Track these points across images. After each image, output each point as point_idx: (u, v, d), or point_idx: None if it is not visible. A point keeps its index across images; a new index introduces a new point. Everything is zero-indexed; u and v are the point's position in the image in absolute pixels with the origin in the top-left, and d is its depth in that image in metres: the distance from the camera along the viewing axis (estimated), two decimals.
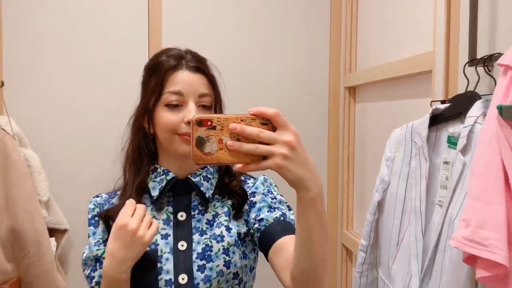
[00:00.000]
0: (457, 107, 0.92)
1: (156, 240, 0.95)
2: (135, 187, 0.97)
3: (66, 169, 1.71)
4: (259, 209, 0.97)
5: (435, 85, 1.13)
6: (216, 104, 0.99)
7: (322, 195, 0.70)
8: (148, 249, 0.91)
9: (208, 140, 0.65)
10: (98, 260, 0.97)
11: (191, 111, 0.91)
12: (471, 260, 0.74)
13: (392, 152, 1.07)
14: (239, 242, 0.96)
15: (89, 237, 0.99)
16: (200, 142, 0.65)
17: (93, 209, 1.01)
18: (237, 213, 0.99)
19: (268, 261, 0.92)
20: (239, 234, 0.97)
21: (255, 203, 0.98)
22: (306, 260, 0.74)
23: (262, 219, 0.95)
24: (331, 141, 1.88)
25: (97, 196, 1.03)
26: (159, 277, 0.91)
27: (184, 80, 0.93)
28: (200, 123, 0.65)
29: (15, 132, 1.53)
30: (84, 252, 0.99)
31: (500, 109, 0.70)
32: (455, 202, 0.85)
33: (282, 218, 0.94)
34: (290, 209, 0.98)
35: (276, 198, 0.98)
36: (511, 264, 0.67)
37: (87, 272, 0.98)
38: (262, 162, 0.65)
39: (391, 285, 1.04)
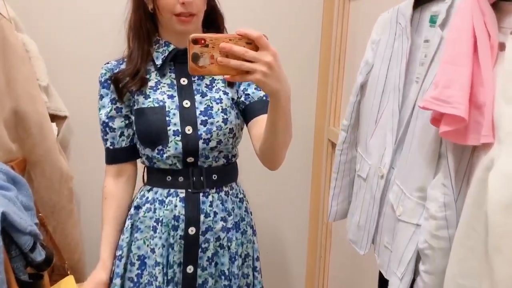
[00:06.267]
0: None
1: (163, 99, 1.12)
2: (140, 55, 1.12)
3: (64, 57, 1.74)
4: (249, 84, 1.16)
5: None
6: None
7: (289, 101, 0.90)
8: (156, 105, 1.11)
9: (202, 56, 0.79)
10: (107, 125, 1.17)
11: None
12: (437, 121, 0.82)
13: (378, 35, 1.12)
14: (233, 105, 1.17)
15: (101, 98, 1.17)
16: (195, 57, 0.79)
17: (105, 73, 1.17)
18: (231, 82, 1.16)
19: (247, 127, 1.17)
20: (232, 99, 1.17)
21: None
22: (271, 142, 1.01)
23: (248, 95, 1.16)
24: (324, 40, 1.91)
25: (108, 63, 1.18)
26: (168, 128, 1.11)
27: None
28: (195, 41, 0.79)
29: (10, 16, 1.54)
30: (100, 118, 1.18)
31: None
32: (429, 75, 0.91)
33: (264, 98, 1.15)
34: None
35: None
36: (470, 119, 0.75)
37: (101, 134, 1.19)
38: (245, 75, 0.80)
39: (367, 159, 1.14)
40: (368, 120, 1.14)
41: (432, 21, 0.97)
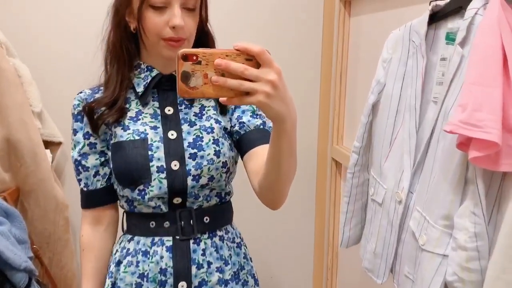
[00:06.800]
0: (457, 2, 0.91)
1: (145, 130, 0.98)
2: (119, 81, 0.98)
3: (57, 81, 1.68)
4: (243, 111, 1.03)
5: None
6: (201, 5, 0.98)
7: (295, 126, 0.76)
8: (137, 138, 0.97)
9: (193, 75, 0.66)
10: (79, 163, 1.03)
11: (176, 15, 0.91)
12: (464, 145, 0.77)
13: (389, 53, 1.07)
14: (226, 135, 1.02)
15: (75, 134, 1.03)
16: (186, 77, 0.66)
17: (78, 104, 1.02)
18: (223, 108, 1.03)
19: (242, 160, 1.02)
20: (225, 128, 1.03)
21: None
22: (273, 176, 0.85)
23: (243, 123, 1.01)
24: (324, 56, 1.87)
25: (81, 92, 1.04)
26: (151, 164, 0.95)
27: None
28: (185, 57, 0.66)
29: (1, 41, 1.49)
30: (72, 156, 1.04)
31: None
32: (450, 95, 0.86)
33: (262, 126, 1.01)
34: None
35: None
36: (502, 144, 0.70)
37: (75, 174, 1.05)
38: (245, 97, 0.67)
39: (382, 182, 1.08)
40: (381, 142, 1.09)
41: (449, 38, 0.93)
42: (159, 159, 0.96)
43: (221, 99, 0.68)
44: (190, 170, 0.96)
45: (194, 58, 0.66)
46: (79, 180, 1.04)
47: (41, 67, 1.65)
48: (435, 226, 0.86)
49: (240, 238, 1.11)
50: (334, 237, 1.92)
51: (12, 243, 1.27)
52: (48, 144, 1.62)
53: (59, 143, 1.66)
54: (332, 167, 1.89)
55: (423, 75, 0.97)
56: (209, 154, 0.97)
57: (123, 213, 1.07)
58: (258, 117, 1.02)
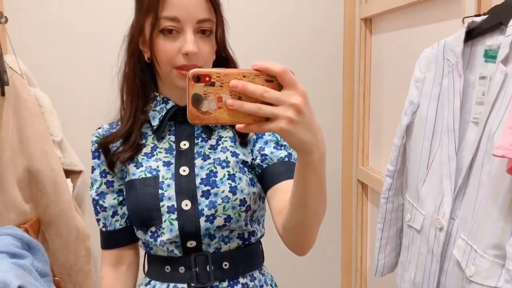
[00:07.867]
0: (496, 18, 0.86)
1: (157, 167, 0.91)
2: (133, 114, 0.92)
3: (77, 110, 1.67)
4: (266, 142, 0.92)
5: (465, 2, 1.07)
6: (217, 28, 0.89)
7: (324, 159, 0.65)
8: (149, 175, 0.90)
9: (206, 98, 0.59)
10: (97, 203, 0.97)
11: (188, 41, 0.83)
12: None
13: (422, 73, 1.03)
14: (245, 169, 0.92)
15: (92, 171, 0.97)
16: (197, 100, 0.59)
17: (96, 141, 0.96)
18: (243, 139, 0.93)
19: (266, 197, 0.91)
20: (244, 162, 0.92)
21: (264, 134, 0.92)
22: (299, 217, 0.74)
23: (265, 156, 0.91)
24: (346, 75, 1.83)
25: (99, 128, 0.99)
26: (161, 204, 0.88)
27: (180, 3, 0.83)
28: (197, 78, 0.58)
29: (22, 71, 1.48)
30: (90, 194, 0.99)
31: None
32: (494, 116, 0.81)
33: (286, 159, 0.90)
34: None
35: None
36: None
37: (94, 214, 0.99)
38: (265, 123, 0.59)
39: (420, 208, 1.02)
40: (417, 165, 1.03)
41: (488, 56, 0.89)
42: (169, 198, 0.88)
43: (237, 126, 0.60)
44: (203, 210, 0.87)
45: (207, 79, 0.58)
46: (98, 220, 0.98)
47: (61, 95, 1.65)
48: (485, 256, 0.80)
49: (271, 285, 0.98)
50: (362, 262, 1.85)
51: (35, 277, 1.24)
52: (68, 173, 1.60)
53: (80, 172, 1.64)
54: (358, 189, 1.83)
55: (461, 94, 0.92)
56: (223, 191, 0.88)
57: (145, 254, 1.00)
58: (282, 148, 0.91)
